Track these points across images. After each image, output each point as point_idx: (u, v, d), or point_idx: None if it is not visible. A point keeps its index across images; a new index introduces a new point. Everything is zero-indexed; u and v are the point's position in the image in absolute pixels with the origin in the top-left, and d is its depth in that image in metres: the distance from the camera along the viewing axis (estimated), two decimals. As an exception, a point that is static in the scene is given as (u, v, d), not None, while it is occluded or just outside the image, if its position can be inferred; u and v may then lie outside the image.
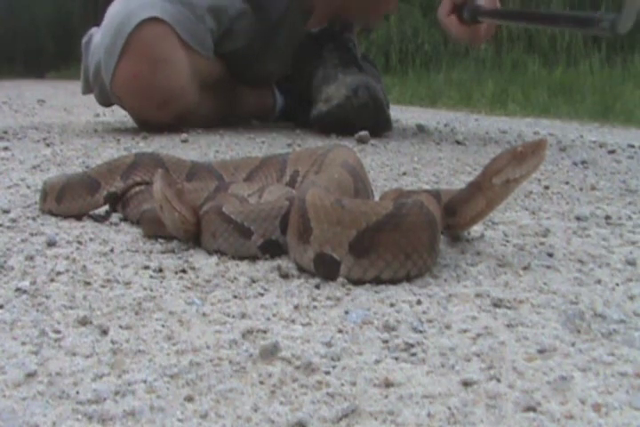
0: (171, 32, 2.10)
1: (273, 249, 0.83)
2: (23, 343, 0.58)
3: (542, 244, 0.91)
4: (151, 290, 0.72)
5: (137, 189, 1.04)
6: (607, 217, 1.07)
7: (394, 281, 0.73)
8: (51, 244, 0.88)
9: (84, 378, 0.52)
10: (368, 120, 2.11)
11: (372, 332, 0.61)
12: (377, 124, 2.16)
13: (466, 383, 0.51)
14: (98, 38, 2.16)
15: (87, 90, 2.31)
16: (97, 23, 2.23)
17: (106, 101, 2.30)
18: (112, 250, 0.87)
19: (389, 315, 0.65)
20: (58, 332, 0.60)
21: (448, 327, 0.62)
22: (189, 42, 2.15)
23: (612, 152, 1.93)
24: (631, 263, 0.82)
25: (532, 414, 0.47)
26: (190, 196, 0.92)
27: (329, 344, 0.58)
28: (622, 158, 1.82)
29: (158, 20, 2.07)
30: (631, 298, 0.70)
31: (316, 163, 1.04)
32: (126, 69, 2.08)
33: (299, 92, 2.50)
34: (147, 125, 2.23)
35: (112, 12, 2.14)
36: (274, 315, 0.65)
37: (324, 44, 2.34)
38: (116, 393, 0.49)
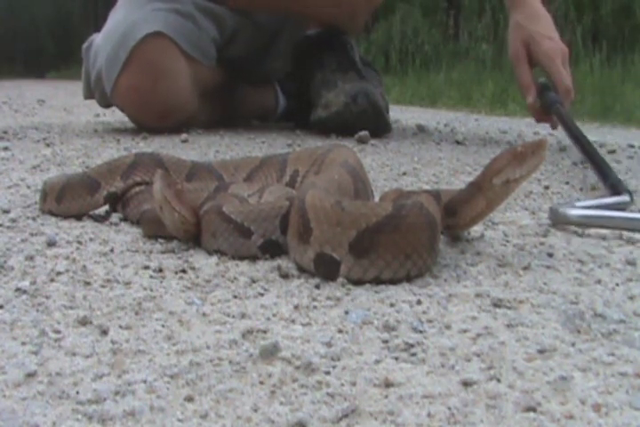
0: (173, 46, 2.11)
1: (273, 249, 0.83)
2: (23, 343, 0.58)
3: (542, 244, 0.91)
4: (151, 290, 0.72)
5: (137, 189, 1.04)
6: (607, 217, 1.07)
7: (394, 281, 0.73)
8: (51, 244, 0.88)
9: (84, 378, 0.52)
10: (367, 125, 2.11)
11: (372, 332, 0.61)
12: (376, 128, 2.16)
13: (466, 383, 0.51)
14: (99, 43, 2.15)
15: (89, 94, 2.31)
16: (97, 26, 2.23)
17: (107, 104, 2.30)
18: (112, 250, 0.87)
19: (389, 315, 0.65)
20: (58, 332, 0.60)
21: (448, 327, 0.62)
22: (192, 54, 2.16)
23: (611, 152, 1.93)
24: (631, 263, 0.82)
25: (532, 415, 0.46)
26: (190, 196, 0.92)
27: (329, 344, 0.58)
28: (622, 158, 1.82)
29: (161, 33, 2.08)
30: (631, 298, 0.70)
31: (316, 163, 1.04)
32: (128, 82, 2.08)
33: (298, 94, 2.50)
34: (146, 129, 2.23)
35: (115, 20, 2.14)
36: (274, 315, 0.65)
37: (322, 47, 2.34)
38: (116, 393, 0.49)
